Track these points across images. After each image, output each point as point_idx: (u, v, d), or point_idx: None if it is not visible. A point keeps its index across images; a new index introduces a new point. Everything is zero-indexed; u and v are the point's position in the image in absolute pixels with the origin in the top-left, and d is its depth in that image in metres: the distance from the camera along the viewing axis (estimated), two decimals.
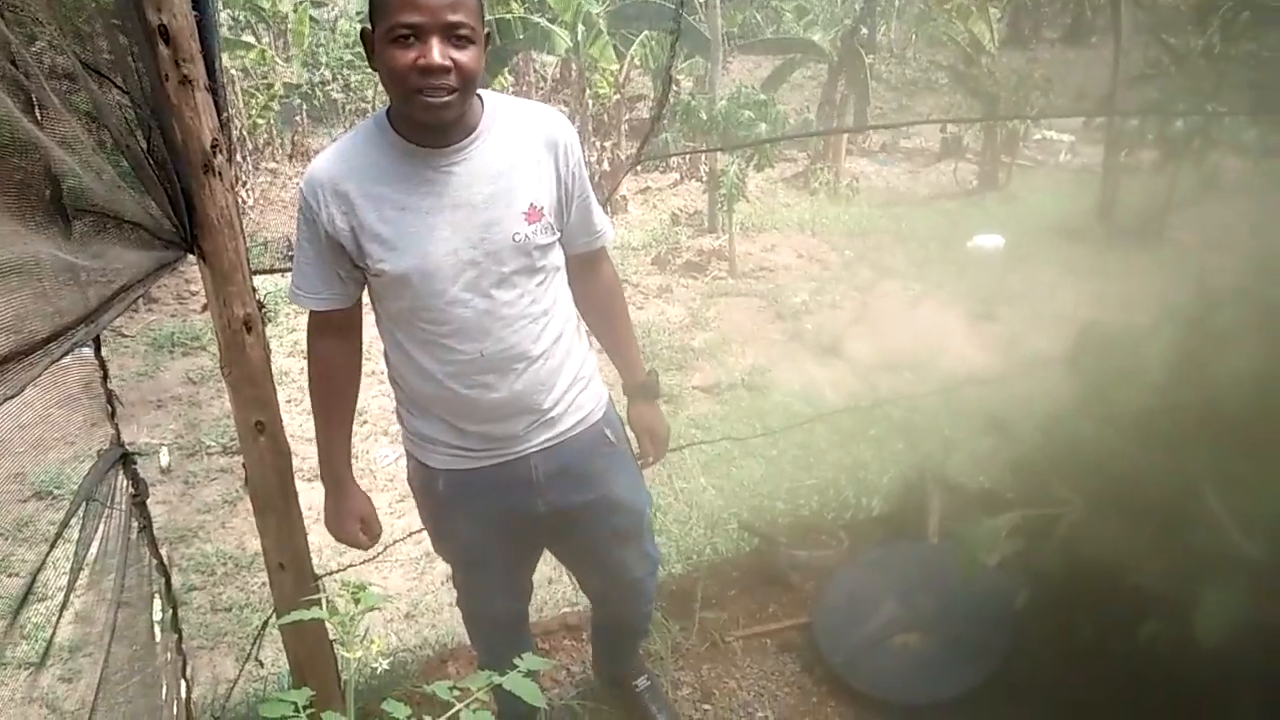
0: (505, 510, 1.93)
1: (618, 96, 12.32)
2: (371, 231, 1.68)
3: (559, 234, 1.82)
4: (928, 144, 12.50)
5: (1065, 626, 2.00)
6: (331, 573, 2.32)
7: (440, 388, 1.79)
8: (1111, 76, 7.64)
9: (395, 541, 2.87)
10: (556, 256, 1.85)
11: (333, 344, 1.84)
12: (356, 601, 1.42)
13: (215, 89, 1.69)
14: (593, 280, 1.98)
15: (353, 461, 4.66)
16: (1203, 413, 2.02)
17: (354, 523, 1.92)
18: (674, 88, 10.62)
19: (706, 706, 2.58)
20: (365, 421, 5.28)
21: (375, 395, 5.56)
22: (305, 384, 1.88)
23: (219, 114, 1.70)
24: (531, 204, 1.73)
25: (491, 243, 1.70)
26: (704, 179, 9.83)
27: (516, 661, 1.44)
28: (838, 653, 2.66)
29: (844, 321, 6.64)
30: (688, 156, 11.07)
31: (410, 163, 1.68)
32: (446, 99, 1.57)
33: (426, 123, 1.62)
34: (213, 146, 1.68)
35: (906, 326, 6.45)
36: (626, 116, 12.64)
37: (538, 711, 2.41)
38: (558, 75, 13.37)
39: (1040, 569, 2.18)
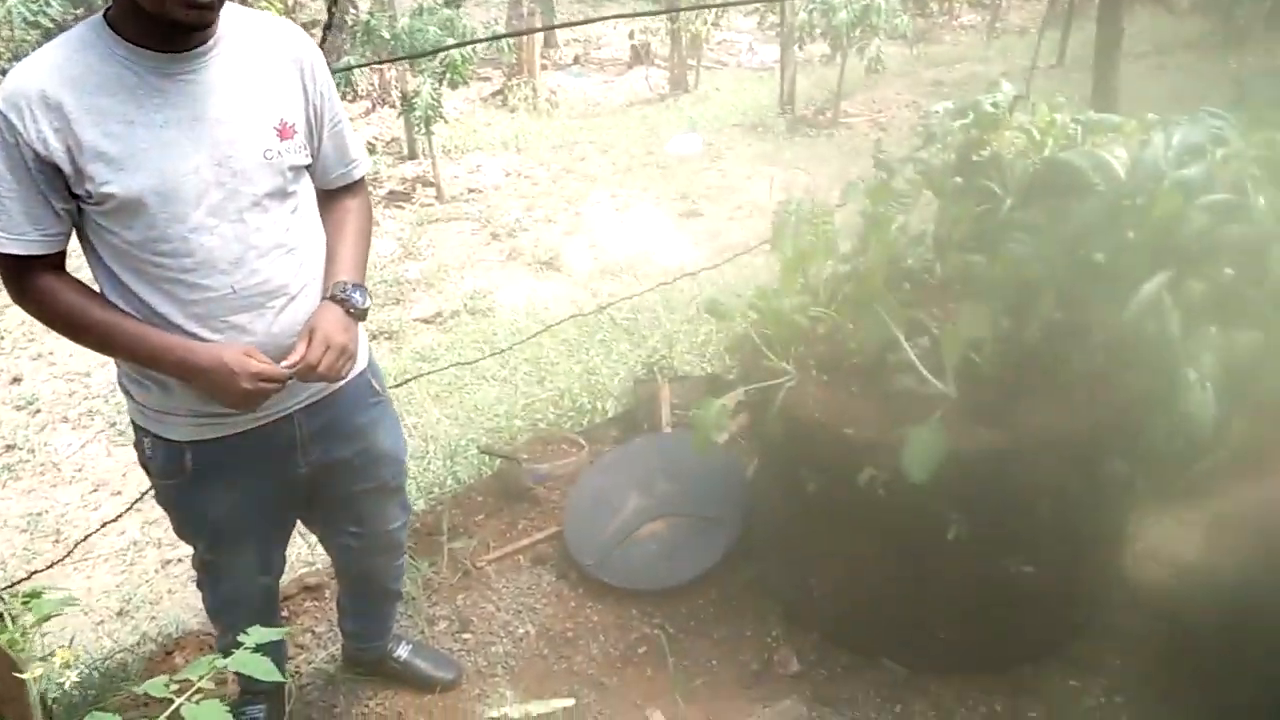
0: (265, 477, 1.75)
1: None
2: (93, 150, 1.42)
3: (311, 160, 1.65)
4: (618, 54, 12.63)
5: (793, 486, 2.12)
6: (15, 583, 2.00)
7: (182, 337, 1.54)
8: None
9: (88, 536, 2.54)
10: (309, 186, 1.69)
11: (48, 277, 1.53)
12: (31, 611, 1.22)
13: None
14: (345, 211, 1.80)
15: (29, 456, 4.05)
16: (889, 270, 2.19)
17: (244, 359, 1.52)
18: (351, 8, 9.89)
19: (466, 635, 2.52)
20: (39, 410, 4.62)
21: (46, 379, 4.89)
22: None
23: None
24: (282, 119, 1.56)
25: (239, 160, 1.51)
26: (397, 105, 9.33)
27: (241, 638, 1.29)
28: (589, 554, 2.68)
29: (558, 234, 6.64)
30: (377, 83, 10.47)
31: (137, 71, 1.44)
32: None
33: (186, 22, 1.40)
34: None
35: (619, 232, 6.56)
36: None
37: (284, 681, 2.24)
38: None
39: (766, 438, 2.30)
